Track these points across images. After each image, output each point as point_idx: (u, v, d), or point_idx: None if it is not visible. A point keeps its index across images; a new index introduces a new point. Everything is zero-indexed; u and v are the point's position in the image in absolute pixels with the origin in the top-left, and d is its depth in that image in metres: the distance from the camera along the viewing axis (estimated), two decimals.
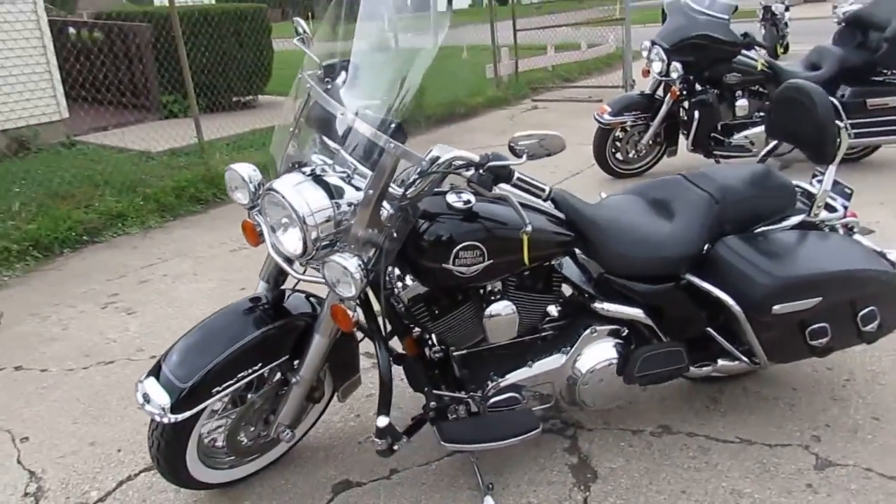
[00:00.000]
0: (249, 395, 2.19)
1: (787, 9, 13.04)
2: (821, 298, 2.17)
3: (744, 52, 5.17)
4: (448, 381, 2.30)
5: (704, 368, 2.41)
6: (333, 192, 1.94)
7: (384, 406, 2.00)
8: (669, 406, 2.66)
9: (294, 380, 2.14)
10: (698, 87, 5.31)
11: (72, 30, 8.38)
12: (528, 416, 2.23)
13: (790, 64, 5.56)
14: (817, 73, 5.29)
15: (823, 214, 2.42)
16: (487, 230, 1.98)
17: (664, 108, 5.32)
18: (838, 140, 2.29)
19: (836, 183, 2.56)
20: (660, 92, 5.43)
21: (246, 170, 2.06)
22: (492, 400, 2.22)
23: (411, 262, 2.02)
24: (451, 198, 1.98)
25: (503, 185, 1.94)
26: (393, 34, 2.07)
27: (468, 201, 1.98)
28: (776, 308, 2.13)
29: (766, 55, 12.41)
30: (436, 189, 2.04)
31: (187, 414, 1.93)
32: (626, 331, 2.31)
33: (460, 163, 1.91)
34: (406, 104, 1.91)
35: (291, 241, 1.92)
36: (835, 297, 2.20)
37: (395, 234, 1.93)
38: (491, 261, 1.99)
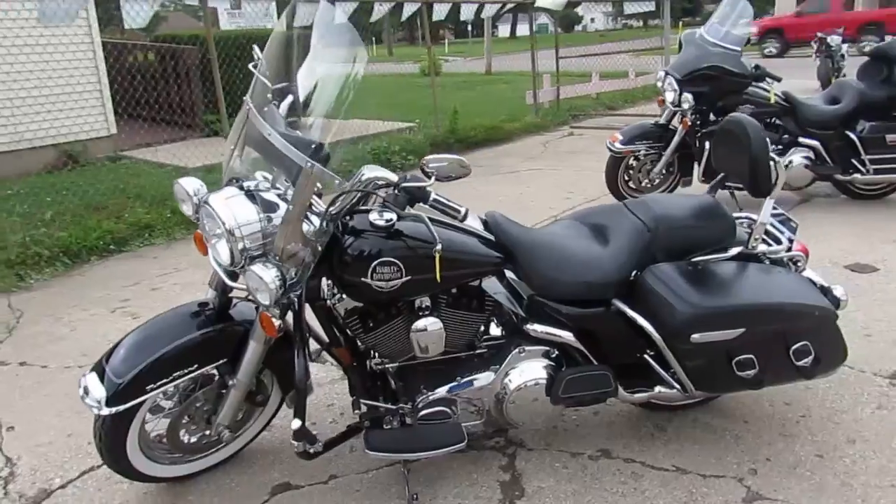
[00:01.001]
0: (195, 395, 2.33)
1: (844, 41, 12.73)
2: (743, 329, 2.17)
3: (755, 83, 5.13)
4: (387, 393, 2.40)
5: (640, 394, 2.43)
6: (266, 207, 2.09)
7: (299, 410, 2.11)
8: (615, 431, 2.68)
9: (231, 382, 2.28)
10: (713, 117, 5.28)
11: None
12: (455, 430, 2.29)
13: (809, 98, 5.47)
14: (836, 107, 5.20)
15: (763, 247, 2.42)
16: (404, 248, 2.08)
17: (676, 138, 5.32)
18: (775, 174, 2.31)
19: (786, 218, 2.56)
20: (675, 122, 5.43)
21: (192, 184, 2.22)
22: (422, 412, 2.30)
23: (337, 277, 2.13)
24: (373, 216, 2.09)
25: (422, 205, 2.05)
26: (327, 63, 2.20)
27: (390, 220, 2.09)
28: (695, 336, 2.15)
29: (821, 87, 12.13)
30: (369, 207, 2.17)
31: (122, 407, 2.09)
32: (556, 352, 2.36)
33: (380, 182, 2.03)
34: (330, 127, 2.04)
35: (223, 251, 2.07)
36: (759, 329, 2.20)
37: (319, 248, 2.06)
38: (409, 277, 2.08)
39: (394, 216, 2.09)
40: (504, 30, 55.45)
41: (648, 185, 5.61)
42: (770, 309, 2.20)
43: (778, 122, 5.29)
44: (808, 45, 14.94)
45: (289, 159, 1.98)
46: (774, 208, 2.58)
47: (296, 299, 2.12)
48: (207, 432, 2.38)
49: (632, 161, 5.55)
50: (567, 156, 8.26)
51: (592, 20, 57.56)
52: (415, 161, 8.06)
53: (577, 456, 2.54)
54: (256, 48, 2.38)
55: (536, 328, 2.32)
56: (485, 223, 2.33)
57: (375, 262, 2.05)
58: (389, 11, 9.14)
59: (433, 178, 2.01)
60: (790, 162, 5.22)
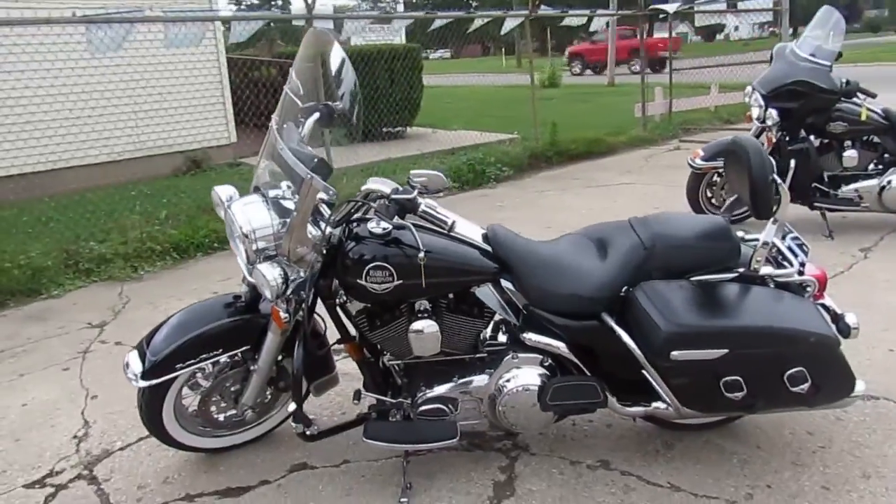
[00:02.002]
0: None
1: None
2: (727, 350, 2.17)
3: (845, 99, 4.85)
4: (395, 388, 2.59)
5: (635, 408, 2.46)
6: (281, 213, 2.35)
7: (296, 395, 2.34)
8: (622, 444, 2.72)
9: (252, 368, 2.56)
10: (802, 134, 5.05)
11: None
12: (449, 427, 2.44)
13: None
14: None
15: (768, 270, 2.37)
16: (395, 254, 2.26)
17: None
18: (778, 196, 2.28)
19: (801, 242, 2.50)
20: (762, 139, 5.23)
21: (225, 191, 2.52)
22: (421, 408, 2.47)
23: (340, 279, 2.35)
24: (371, 224, 2.29)
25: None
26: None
27: (386, 228, 2.28)
28: (675, 354, 2.17)
29: None
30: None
31: (153, 382, 2.41)
32: (550, 361, 2.45)
33: (374, 194, 2.24)
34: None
35: (241, 251, 2.35)
36: (745, 351, 2.18)
37: (323, 251, 2.29)
38: (400, 281, 2.26)
39: (390, 225, 2.27)
40: None
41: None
42: (755, 332, 2.17)
43: (876, 140, 4.98)
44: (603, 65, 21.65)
45: (294, 171, 2.23)
46: (790, 231, 2.54)
47: (305, 297, 2.36)
48: (235, 411, 2.68)
49: (715, 178, 5.41)
50: (667, 171, 8.07)
51: (736, 28, 54.87)
52: (510, 173, 8.21)
53: (575, 464, 2.61)
54: (293, 70, 2.65)
55: (531, 337, 2.42)
56: (485, 235, 2.47)
57: (369, 266, 2.25)
58: (491, 22, 9.33)
59: (416, 192, 2.19)
60: (888, 183, 4.90)
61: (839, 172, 5.05)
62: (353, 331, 2.53)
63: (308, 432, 2.41)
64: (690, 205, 5.48)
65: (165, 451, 2.83)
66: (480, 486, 2.52)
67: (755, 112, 5.09)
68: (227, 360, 2.59)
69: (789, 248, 2.48)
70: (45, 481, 2.70)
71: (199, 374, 2.63)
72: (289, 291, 2.31)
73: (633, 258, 2.35)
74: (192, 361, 2.45)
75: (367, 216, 2.38)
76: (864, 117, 4.81)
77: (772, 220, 2.31)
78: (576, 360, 2.42)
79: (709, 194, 5.48)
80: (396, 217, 2.23)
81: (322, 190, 2.17)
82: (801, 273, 2.40)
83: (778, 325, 2.19)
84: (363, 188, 2.29)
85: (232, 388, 2.64)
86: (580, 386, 2.40)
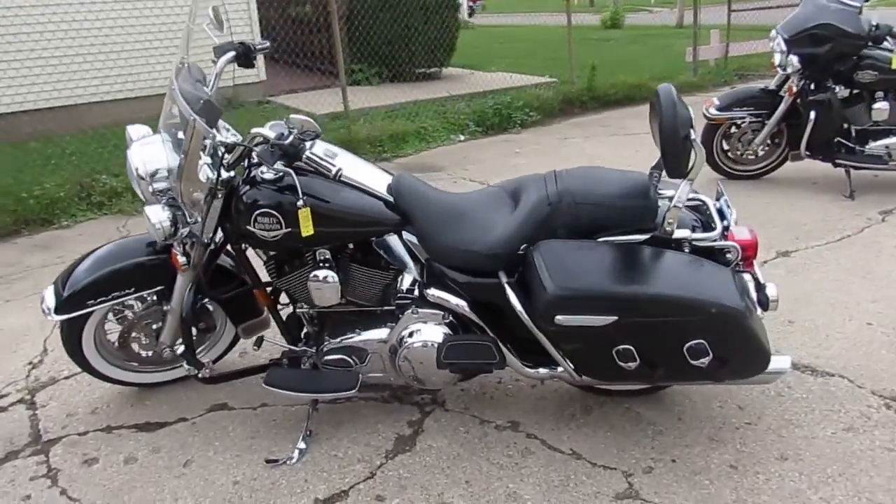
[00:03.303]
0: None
1: None
2: (616, 318, 2.03)
3: (874, 45, 4.39)
4: (308, 336, 2.57)
5: (537, 370, 2.36)
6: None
7: (185, 337, 2.36)
8: (539, 406, 2.63)
9: (166, 307, 2.59)
10: (831, 83, 4.63)
11: None
12: (350, 378, 2.41)
13: None
14: None
15: (685, 233, 2.19)
16: (281, 201, 2.19)
17: (782, 106, 4.75)
18: (693, 154, 2.08)
19: (728, 204, 2.30)
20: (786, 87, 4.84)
21: (138, 130, 2.50)
22: (326, 358, 2.45)
23: (235, 225, 2.31)
24: (262, 169, 2.23)
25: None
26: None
27: (279, 173, 2.21)
28: (560, 318, 2.05)
29: None
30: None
31: (65, 316, 2.46)
32: (451, 318, 2.37)
33: (258, 139, 2.17)
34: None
35: (139, 192, 2.35)
36: (636, 320, 2.03)
37: (219, 196, 2.25)
38: (289, 229, 2.21)
39: (281, 172, 2.21)
40: None
41: (751, 156, 5.10)
42: (648, 299, 2.02)
43: None
44: None
45: (182, 113, 2.18)
46: (723, 193, 2.34)
47: (199, 240, 2.33)
48: (155, 348, 2.72)
49: (732, 129, 5.07)
50: (704, 120, 7.62)
51: None
52: (537, 118, 7.92)
53: (485, 423, 2.55)
54: (212, 8, 2.57)
55: (432, 293, 2.34)
56: (389, 186, 2.37)
57: (256, 213, 2.20)
58: None
59: (292, 136, 2.11)
60: None
61: (868, 126, 4.63)
62: (267, 276, 2.51)
63: (200, 375, 2.43)
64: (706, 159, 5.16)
65: (103, 382, 2.92)
66: (382, 439, 2.50)
67: (777, 58, 4.70)
68: (155, 298, 2.62)
69: (719, 211, 2.29)
70: None
71: (127, 310, 2.68)
72: (181, 235, 2.30)
73: (536, 214, 2.21)
74: (105, 299, 2.48)
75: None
76: (894, 65, 4.36)
77: (686, 179, 2.11)
78: (475, 319, 2.33)
79: (725, 146, 5.16)
80: (280, 163, 2.16)
81: (204, 133, 2.12)
82: (724, 237, 2.21)
83: (675, 293, 2.02)
84: (252, 131, 2.22)
85: (153, 326, 2.68)
86: (476, 345, 2.31)
